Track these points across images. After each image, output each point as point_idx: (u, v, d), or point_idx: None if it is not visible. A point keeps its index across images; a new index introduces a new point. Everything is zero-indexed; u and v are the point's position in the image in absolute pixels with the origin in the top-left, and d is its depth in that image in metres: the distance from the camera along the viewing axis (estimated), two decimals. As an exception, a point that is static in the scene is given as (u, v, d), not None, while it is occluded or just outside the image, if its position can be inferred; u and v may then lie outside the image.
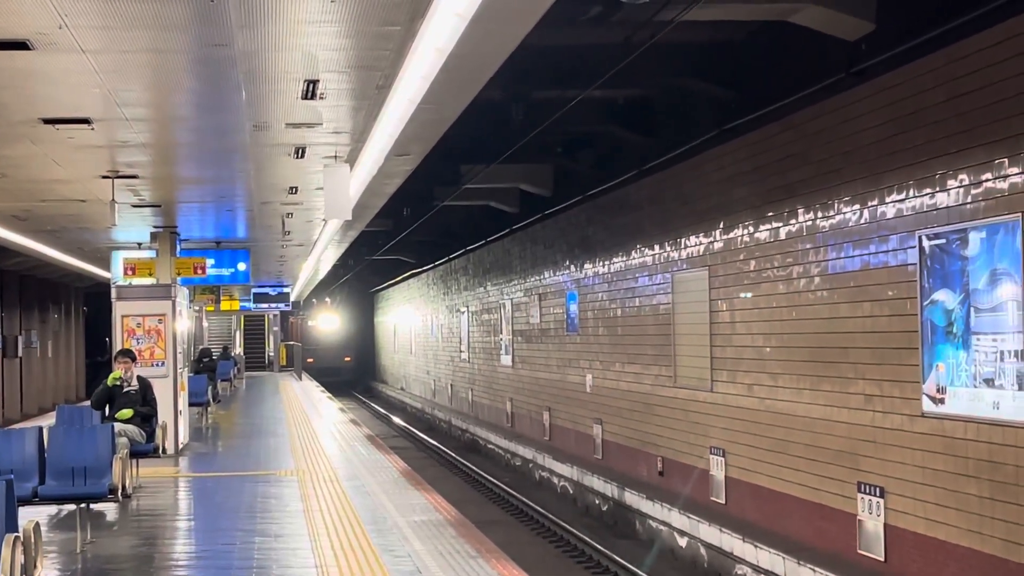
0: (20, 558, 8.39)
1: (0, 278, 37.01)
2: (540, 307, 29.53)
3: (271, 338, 63.95)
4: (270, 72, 10.53)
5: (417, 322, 54.00)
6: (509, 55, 10.09)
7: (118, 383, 15.64)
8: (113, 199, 16.88)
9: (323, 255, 32.59)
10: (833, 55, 14.20)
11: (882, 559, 13.32)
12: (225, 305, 43.62)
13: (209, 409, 28.91)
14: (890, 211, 13.13)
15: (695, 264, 18.89)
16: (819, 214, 14.79)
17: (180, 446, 20.85)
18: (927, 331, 12.37)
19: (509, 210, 31.32)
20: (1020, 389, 10.96)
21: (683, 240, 19.41)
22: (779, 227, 15.89)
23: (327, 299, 78.25)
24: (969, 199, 11.70)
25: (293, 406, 34.81)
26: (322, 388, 49.78)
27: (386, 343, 69.74)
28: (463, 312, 41.19)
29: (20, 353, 39.32)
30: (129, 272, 23.29)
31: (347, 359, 77.74)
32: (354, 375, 76.82)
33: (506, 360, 33.80)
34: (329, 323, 78.09)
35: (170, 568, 11.53)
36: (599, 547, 19.09)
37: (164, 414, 17.51)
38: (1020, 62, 10.95)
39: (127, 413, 15.41)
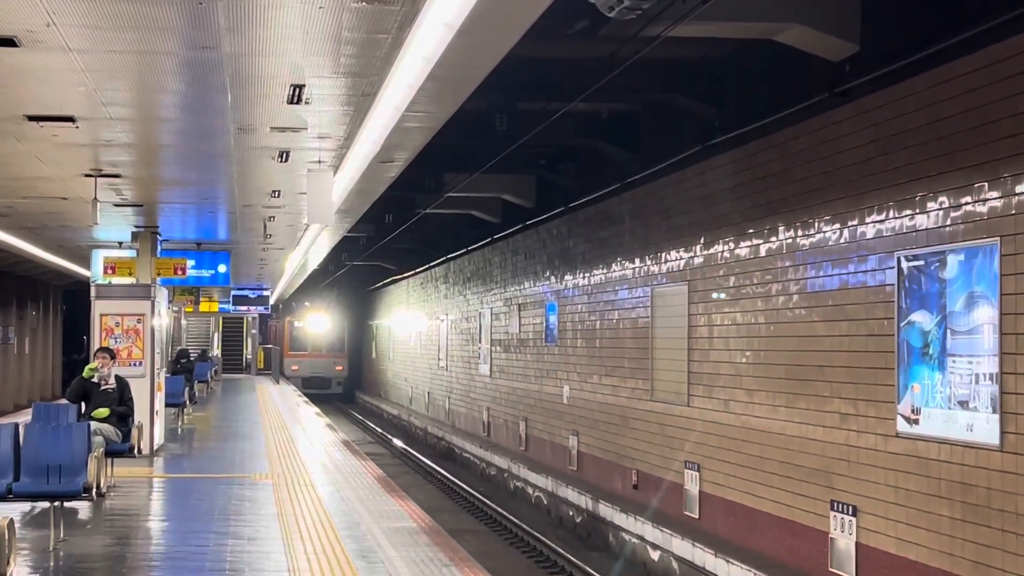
0: (-7, 554, 8.40)
1: (-21, 274, 36.91)
2: (519, 317, 29.56)
3: (249, 341, 63.83)
4: (256, 76, 10.56)
5: (397, 329, 53.96)
6: (495, 66, 10.14)
7: (93, 376, 15.61)
8: (95, 198, 16.88)
9: (304, 258, 32.55)
10: (817, 75, 14.28)
11: (853, 577, 13.38)
12: (204, 307, 43.53)
13: (185, 410, 28.86)
14: (870, 231, 13.20)
15: (675, 279, 18.95)
16: (799, 232, 14.86)
17: (155, 447, 20.83)
18: (903, 352, 12.44)
19: (491, 220, 31.36)
20: (994, 412, 11.03)
21: (663, 255, 19.47)
22: (759, 244, 15.96)
23: (318, 299, 67.42)
24: (948, 222, 11.78)
25: (269, 409, 34.78)
26: (299, 392, 49.55)
27: (368, 349, 66.60)
28: (442, 320, 41.20)
29: (-4, 349, 39.24)
30: (109, 271, 23.26)
31: (339, 368, 65.85)
32: (346, 387, 66.34)
33: (484, 369, 33.82)
34: (319, 325, 66.20)
35: (142, 568, 11.52)
36: (572, 558, 19.12)
37: (140, 414, 17.50)
38: (1001, 88, 11.03)
39: (103, 412, 15.39)
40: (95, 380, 15.69)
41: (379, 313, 61.47)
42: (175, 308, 37.95)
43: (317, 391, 60.62)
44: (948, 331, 11.68)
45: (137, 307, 20.16)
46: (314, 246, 28.72)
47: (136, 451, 16.12)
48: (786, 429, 15.09)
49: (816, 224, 14.44)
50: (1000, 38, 11.03)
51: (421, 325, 46.38)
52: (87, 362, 16.51)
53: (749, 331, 16.22)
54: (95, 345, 19.17)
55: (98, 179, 16.32)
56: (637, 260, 20.77)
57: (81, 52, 9.64)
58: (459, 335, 38.22)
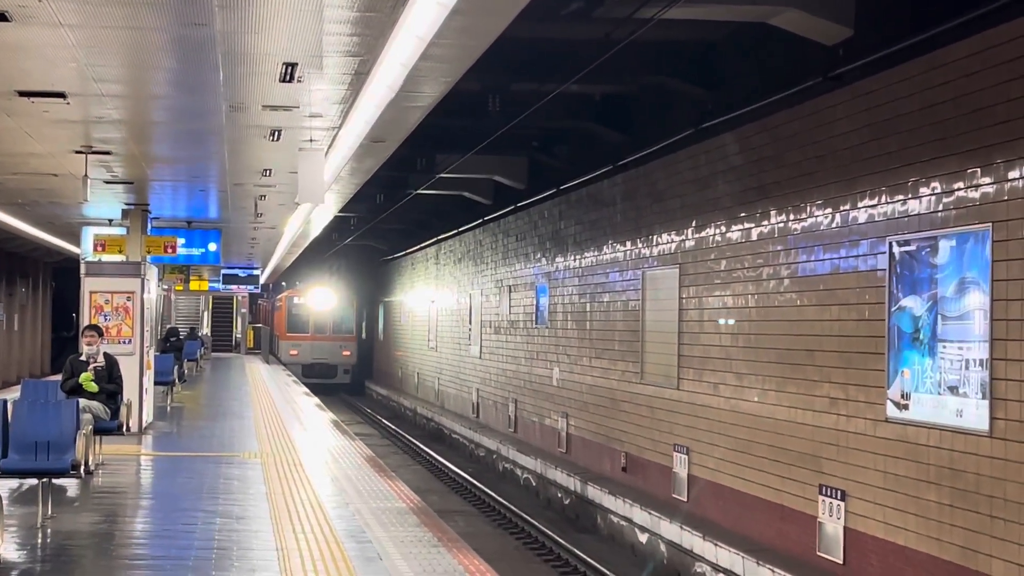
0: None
1: (-32, 250, 36.82)
2: (510, 299, 29.55)
3: (239, 320, 63.73)
4: (248, 53, 10.51)
5: (391, 308, 53.86)
6: (489, 46, 10.10)
7: (88, 371, 15.50)
8: (86, 174, 16.82)
9: (296, 235, 32.48)
10: (811, 59, 14.26)
11: (841, 562, 13.40)
12: (194, 285, 43.48)
13: (174, 389, 28.82)
14: (862, 216, 13.20)
15: (666, 262, 18.94)
16: (791, 216, 14.85)
17: (144, 424, 20.79)
18: (894, 337, 12.44)
19: (483, 201, 31.34)
20: (983, 398, 11.04)
21: (655, 237, 19.46)
22: (751, 228, 15.95)
23: (322, 271, 60.10)
24: (940, 207, 11.78)
25: (259, 388, 34.75)
26: (288, 371, 49.31)
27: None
28: (432, 301, 41.18)
29: (-14, 326, 39.17)
30: (99, 248, 23.19)
31: (346, 353, 56.05)
32: (354, 375, 56.63)
33: (474, 351, 33.82)
34: (324, 302, 56.47)
35: (130, 546, 11.52)
36: (560, 540, 19.15)
37: (129, 392, 17.45)
38: (995, 74, 11.02)
39: (93, 388, 15.34)
40: (83, 359, 15.65)
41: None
42: (165, 286, 37.91)
43: (320, 380, 53.34)
44: (939, 317, 11.68)
45: (127, 285, 20.09)
46: (305, 226, 28.66)
47: (125, 429, 16.09)
48: (775, 413, 15.10)
49: (808, 208, 14.43)
50: (994, 23, 11.02)
51: (412, 306, 46.36)
52: (76, 339, 16.44)
53: (740, 315, 16.22)
54: (84, 322, 19.13)
55: (89, 156, 16.27)
56: (628, 243, 20.76)
57: (73, 27, 9.59)
58: (449, 316, 38.20)
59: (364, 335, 59.29)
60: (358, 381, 56.56)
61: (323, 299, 56.51)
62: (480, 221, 32.28)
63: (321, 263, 58.88)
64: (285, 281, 69.80)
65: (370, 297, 59.37)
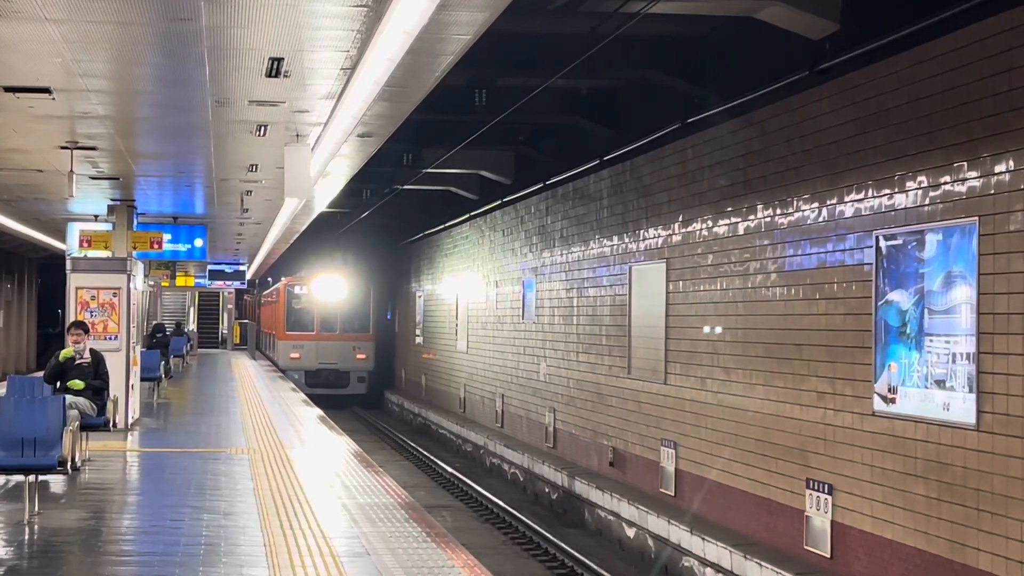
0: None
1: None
2: (497, 294, 29.54)
3: (225, 316, 63.66)
4: (234, 48, 10.47)
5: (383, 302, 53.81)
6: (475, 40, 10.09)
7: (71, 359, 15.49)
8: (71, 170, 16.76)
9: (283, 234, 32.43)
10: (797, 53, 14.26)
11: (828, 556, 13.42)
12: (180, 281, 43.39)
13: (161, 385, 28.75)
14: (848, 210, 13.21)
15: (653, 256, 18.94)
16: (777, 211, 14.86)
17: (131, 421, 20.75)
18: (881, 331, 12.46)
19: (469, 196, 31.32)
20: (970, 391, 11.06)
21: (641, 232, 19.46)
22: (737, 222, 15.96)
23: (329, 255, 49.08)
24: (927, 201, 11.79)
25: (245, 384, 34.69)
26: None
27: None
28: (419, 296, 41.15)
29: (-29, 322, 39.04)
30: (85, 244, 23.11)
31: (360, 356, 46.09)
32: (371, 384, 46.84)
33: (461, 345, 33.80)
34: (331, 291, 46.45)
35: (117, 542, 11.50)
36: (547, 535, 19.15)
37: (116, 388, 17.40)
38: (982, 67, 11.03)
39: (79, 384, 15.29)
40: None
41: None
42: (151, 282, 37.83)
43: (328, 390, 44.63)
44: (926, 310, 11.69)
45: (113, 280, 20.04)
46: (292, 223, 28.60)
47: (111, 425, 16.05)
48: (763, 407, 15.11)
49: (795, 202, 14.44)
50: (980, 18, 11.03)
51: (403, 301, 46.31)
52: (62, 335, 16.38)
53: (727, 309, 16.23)
54: (70, 318, 19.07)
55: (74, 151, 16.21)
56: (615, 237, 20.75)
57: (57, 22, 9.55)
58: (436, 311, 38.18)
59: (386, 332, 48.80)
60: (376, 391, 47.10)
61: (332, 288, 46.44)
62: (466, 216, 32.25)
63: (327, 245, 48.42)
64: (272, 277, 69.11)
65: (389, 285, 48.88)
